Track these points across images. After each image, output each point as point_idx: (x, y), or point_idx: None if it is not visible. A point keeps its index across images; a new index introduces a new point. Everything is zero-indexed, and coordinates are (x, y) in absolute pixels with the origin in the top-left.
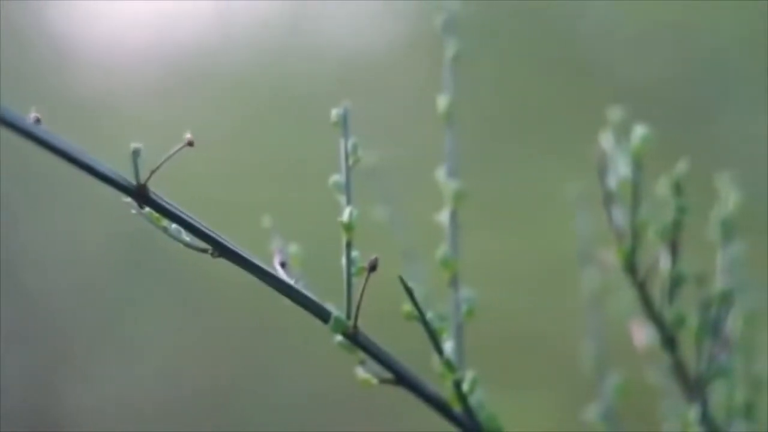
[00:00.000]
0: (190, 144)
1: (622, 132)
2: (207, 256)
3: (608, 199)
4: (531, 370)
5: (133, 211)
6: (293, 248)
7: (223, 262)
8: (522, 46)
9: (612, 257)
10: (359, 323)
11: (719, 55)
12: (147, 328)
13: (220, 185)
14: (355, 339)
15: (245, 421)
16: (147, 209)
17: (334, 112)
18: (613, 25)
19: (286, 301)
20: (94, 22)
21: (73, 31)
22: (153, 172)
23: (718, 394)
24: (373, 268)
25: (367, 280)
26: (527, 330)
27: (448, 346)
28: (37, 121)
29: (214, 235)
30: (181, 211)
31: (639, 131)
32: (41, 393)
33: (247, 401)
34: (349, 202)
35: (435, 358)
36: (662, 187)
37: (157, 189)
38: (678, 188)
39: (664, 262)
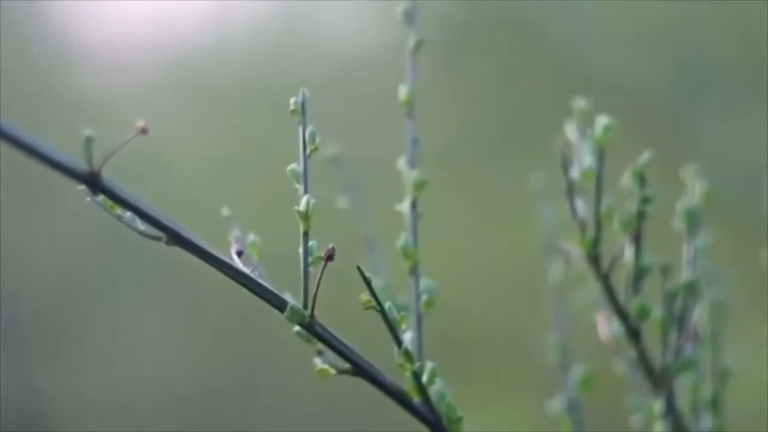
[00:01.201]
0: (143, 131)
1: (588, 123)
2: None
3: (571, 189)
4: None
5: (88, 199)
6: (252, 238)
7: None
8: (513, 50)
9: (576, 248)
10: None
11: (700, 58)
12: (132, 328)
13: (218, 184)
14: (312, 329)
15: (232, 421)
16: (101, 197)
17: (293, 100)
18: (602, 29)
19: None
20: (92, 22)
21: (72, 31)
22: (106, 158)
23: (685, 386)
24: (330, 257)
25: (323, 269)
26: (511, 327)
27: (408, 336)
28: None
29: (167, 223)
30: (134, 199)
31: (602, 121)
32: (25, 393)
33: (235, 401)
34: (306, 191)
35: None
36: (627, 179)
37: (156, 188)
38: (642, 179)
39: (629, 253)
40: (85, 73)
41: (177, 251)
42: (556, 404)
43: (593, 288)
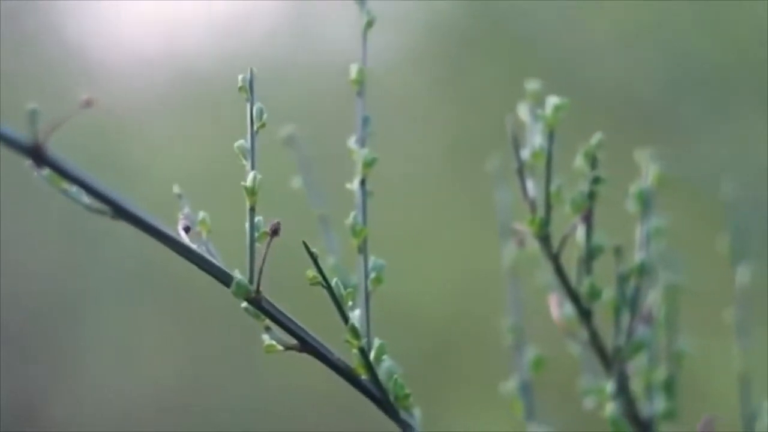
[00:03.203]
0: (88, 104)
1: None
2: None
3: (521, 169)
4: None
5: (36, 175)
6: (201, 215)
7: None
8: (512, 56)
9: (527, 229)
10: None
11: (695, 60)
12: (128, 332)
13: (224, 191)
14: (258, 304)
15: (229, 423)
16: (46, 171)
17: (240, 77)
18: (599, 33)
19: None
20: (103, 33)
21: (83, 42)
22: (52, 130)
23: (639, 369)
24: (275, 232)
25: (269, 244)
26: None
27: (357, 314)
28: None
29: (112, 196)
30: (79, 172)
31: (552, 101)
32: (21, 396)
33: (230, 403)
34: (253, 167)
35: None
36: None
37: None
38: (593, 160)
39: (580, 234)
40: (95, 83)
41: (174, 257)
42: (509, 386)
43: (548, 270)
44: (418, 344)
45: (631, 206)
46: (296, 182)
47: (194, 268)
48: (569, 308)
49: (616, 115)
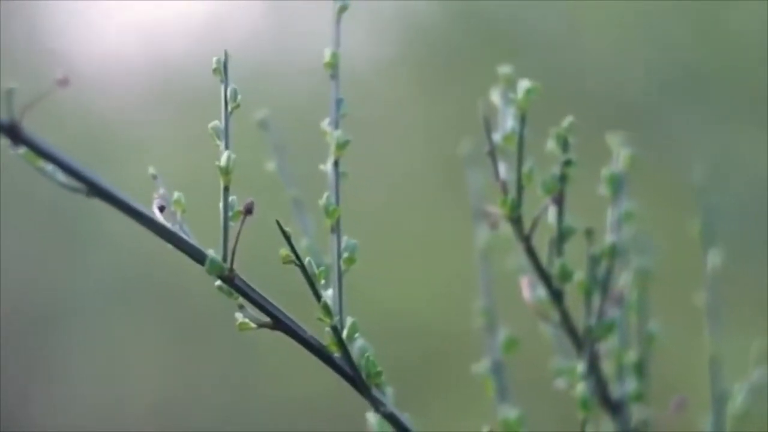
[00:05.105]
0: (64, 83)
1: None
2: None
3: (493, 152)
4: None
5: (11, 152)
6: (176, 195)
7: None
8: (503, 61)
9: (499, 211)
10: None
11: (676, 63)
12: (121, 344)
13: (206, 194)
14: (231, 282)
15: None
16: (23, 150)
17: (215, 59)
18: (593, 39)
19: None
20: (84, 39)
21: (65, 48)
22: (26, 108)
23: (610, 350)
24: (248, 211)
25: (242, 223)
26: None
27: (329, 293)
28: None
29: (88, 175)
30: (55, 150)
31: (524, 84)
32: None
33: (224, 414)
34: (227, 147)
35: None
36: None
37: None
38: (565, 143)
39: (552, 217)
40: (77, 89)
41: (169, 268)
42: (481, 367)
43: (519, 252)
44: (401, 347)
45: (603, 189)
46: (270, 166)
47: (183, 277)
48: (541, 290)
49: (606, 115)
